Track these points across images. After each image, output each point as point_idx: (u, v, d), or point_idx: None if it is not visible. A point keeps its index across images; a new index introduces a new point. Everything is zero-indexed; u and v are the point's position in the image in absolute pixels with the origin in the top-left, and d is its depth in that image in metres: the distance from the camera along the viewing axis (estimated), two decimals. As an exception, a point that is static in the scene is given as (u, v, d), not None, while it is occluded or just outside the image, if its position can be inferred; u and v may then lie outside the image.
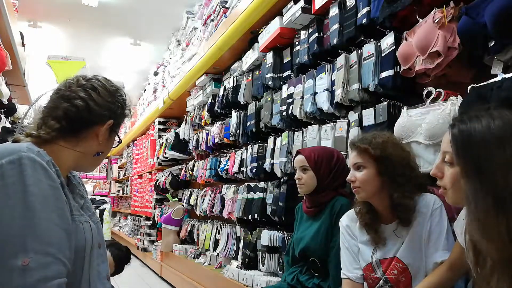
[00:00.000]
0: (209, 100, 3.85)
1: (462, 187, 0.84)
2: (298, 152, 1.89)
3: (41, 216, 0.84)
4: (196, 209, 4.14)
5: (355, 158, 1.40)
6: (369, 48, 1.84)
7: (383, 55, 1.77)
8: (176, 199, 4.95)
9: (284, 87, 2.55)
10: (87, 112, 1.02)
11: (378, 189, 1.36)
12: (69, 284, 0.87)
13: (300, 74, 2.42)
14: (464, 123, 0.86)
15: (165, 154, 5.03)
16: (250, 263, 2.79)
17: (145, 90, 7.26)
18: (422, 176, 1.39)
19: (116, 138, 1.12)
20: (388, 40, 1.75)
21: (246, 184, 3.05)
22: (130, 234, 7.23)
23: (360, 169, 1.38)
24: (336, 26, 2.04)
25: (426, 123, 1.45)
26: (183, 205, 4.68)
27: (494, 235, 0.77)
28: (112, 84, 1.10)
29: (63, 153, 1.01)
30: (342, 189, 1.82)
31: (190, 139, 4.51)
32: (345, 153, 1.89)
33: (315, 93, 2.19)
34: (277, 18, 2.56)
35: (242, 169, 3.07)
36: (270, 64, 2.71)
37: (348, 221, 1.53)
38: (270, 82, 2.71)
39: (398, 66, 1.69)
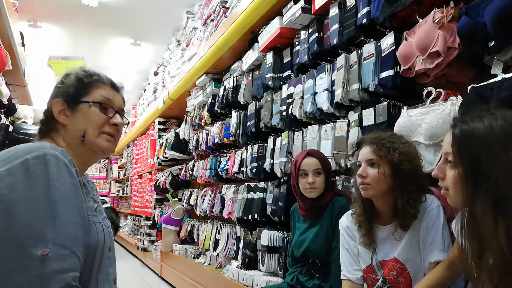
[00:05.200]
0: (209, 100, 3.85)
1: (462, 188, 0.83)
2: (308, 154, 1.82)
3: (62, 210, 0.86)
4: (196, 209, 4.14)
5: (369, 154, 1.35)
6: (369, 48, 1.84)
7: (383, 55, 1.77)
8: (176, 199, 4.95)
9: (284, 87, 2.55)
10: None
11: (387, 190, 1.33)
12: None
13: (300, 74, 2.41)
14: (466, 123, 0.84)
15: (165, 154, 5.03)
16: (250, 263, 2.78)
17: (145, 90, 7.26)
18: (424, 178, 1.37)
19: (91, 100, 1.03)
20: (388, 40, 1.75)
21: (246, 184, 3.05)
22: (130, 234, 7.23)
23: (373, 166, 1.34)
24: (336, 26, 2.04)
25: (426, 123, 1.45)
26: (183, 205, 4.68)
27: (492, 237, 0.76)
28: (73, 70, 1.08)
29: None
30: (337, 188, 1.82)
31: (190, 139, 4.50)
32: (345, 153, 1.89)
33: (315, 93, 2.19)
34: (277, 18, 2.56)
35: (242, 169, 3.07)
36: (270, 64, 2.71)
37: (348, 222, 1.51)
38: (270, 82, 2.71)
39: (398, 66, 1.69)
